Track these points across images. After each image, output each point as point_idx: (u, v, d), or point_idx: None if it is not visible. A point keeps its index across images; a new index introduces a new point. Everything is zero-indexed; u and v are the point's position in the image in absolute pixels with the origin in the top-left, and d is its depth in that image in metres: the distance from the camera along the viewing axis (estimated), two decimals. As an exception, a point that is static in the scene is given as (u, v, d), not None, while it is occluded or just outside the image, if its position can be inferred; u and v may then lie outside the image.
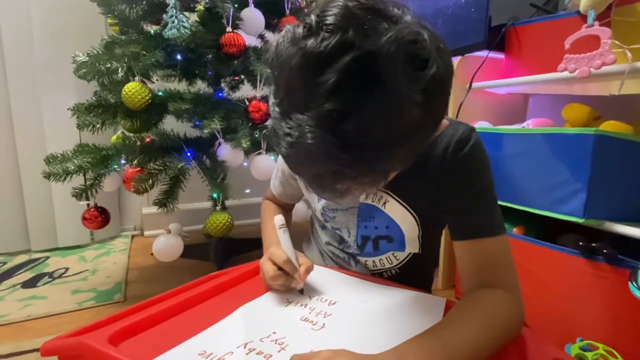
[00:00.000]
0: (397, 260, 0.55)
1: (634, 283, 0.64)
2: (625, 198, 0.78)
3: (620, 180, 0.76)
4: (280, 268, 0.45)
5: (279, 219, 0.48)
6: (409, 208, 0.50)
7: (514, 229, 0.93)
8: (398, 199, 0.50)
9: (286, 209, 0.70)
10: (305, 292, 0.47)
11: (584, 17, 0.75)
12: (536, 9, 1.00)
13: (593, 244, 0.75)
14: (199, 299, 0.45)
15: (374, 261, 0.56)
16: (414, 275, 0.56)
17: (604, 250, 0.73)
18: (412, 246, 0.53)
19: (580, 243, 0.76)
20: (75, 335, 0.35)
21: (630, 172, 0.77)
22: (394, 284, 0.51)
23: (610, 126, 0.79)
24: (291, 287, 0.47)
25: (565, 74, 0.77)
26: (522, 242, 0.87)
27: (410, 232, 0.52)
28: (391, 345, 0.33)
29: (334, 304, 0.45)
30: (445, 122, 0.44)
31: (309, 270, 0.47)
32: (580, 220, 0.74)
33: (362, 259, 0.56)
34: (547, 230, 0.89)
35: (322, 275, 0.52)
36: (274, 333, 0.37)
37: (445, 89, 0.32)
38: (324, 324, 0.40)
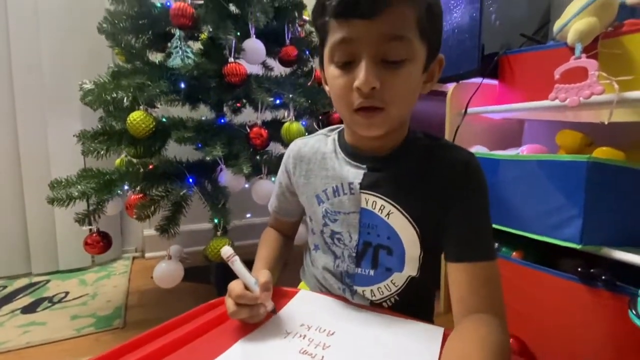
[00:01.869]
0: (396, 287, 0.54)
1: (633, 311, 0.64)
2: (622, 223, 0.78)
3: (616, 205, 0.77)
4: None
5: (226, 250, 0.47)
6: (412, 222, 0.50)
7: (514, 253, 0.94)
8: (403, 211, 0.49)
9: (286, 234, 0.69)
10: (303, 321, 0.47)
11: (572, 48, 0.78)
12: (526, 38, 1.04)
13: (592, 270, 0.75)
14: (195, 333, 0.44)
15: (372, 290, 0.54)
16: (414, 303, 0.55)
17: (603, 277, 0.73)
18: (412, 267, 0.52)
19: (579, 269, 0.77)
20: None
21: (625, 198, 0.78)
22: (392, 313, 0.50)
23: (602, 152, 0.81)
24: (263, 313, 0.46)
25: (557, 102, 0.79)
26: (521, 266, 0.87)
27: (412, 250, 0.51)
28: None
29: (332, 334, 0.45)
30: (447, 142, 0.53)
31: (266, 288, 0.46)
32: (577, 246, 0.74)
33: (360, 289, 0.55)
34: (547, 254, 0.89)
35: (320, 303, 0.52)
36: None
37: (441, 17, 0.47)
38: (322, 357, 0.40)
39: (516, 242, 0.92)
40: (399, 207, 0.50)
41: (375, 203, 0.51)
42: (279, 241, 0.65)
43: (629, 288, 0.68)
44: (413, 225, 0.50)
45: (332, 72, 0.46)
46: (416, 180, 0.50)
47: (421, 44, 0.44)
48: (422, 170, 0.50)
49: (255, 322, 0.46)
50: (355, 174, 0.52)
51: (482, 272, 0.46)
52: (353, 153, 0.54)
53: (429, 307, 0.61)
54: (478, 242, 0.47)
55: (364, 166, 0.52)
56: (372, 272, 0.54)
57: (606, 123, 0.73)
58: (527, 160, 0.84)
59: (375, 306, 0.55)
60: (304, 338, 0.44)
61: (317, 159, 0.57)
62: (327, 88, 0.52)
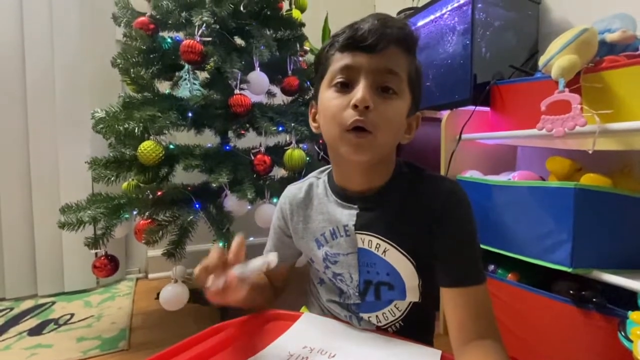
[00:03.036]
0: (400, 311, 0.56)
1: (622, 333, 0.67)
2: (611, 247, 0.81)
3: (604, 230, 0.80)
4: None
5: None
6: (408, 256, 0.53)
7: (509, 275, 0.97)
8: (398, 247, 0.53)
9: (277, 284, 0.67)
10: (306, 343, 0.48)
11: (557, 81, 0.84)
12: (515, 69, 1.10)
13: (583, 292, 0.78)
14: (200, 358, 0.46)
15: (377, 316, 0.57)
16: (417, 326, 0.58)
17: (594, 299, 0.76)
18: (413, 295, 0.55)
19: (571, 291, 0.80)
20: None
21: (613, 222, 0.81)
22: (392, 335, 0.52)
23: (589, 179, 0.84)
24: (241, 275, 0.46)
25: (544, 131, 0.84)
26: (516, 288, 0.90)
27: (411, 281, 0.54)
28: None
29: (333, 356, 0.46)
30: (431, 173, 0.56)
31: (240, 243, 0.48)
32: (568, 269, 0.77)
33: (365, 316, 0.57)
34: (541, 276, 0.92)
35: (323, 326, 0.54)
36: None
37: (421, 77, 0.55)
38: None
39: (511, 264, 0.95)
40: (393, 244, 0.53)
41: (371, 242, 0.54)
42: (266, 283, 0.65)
43: (619, 310, 0.71)
44: (409, 259, 0.53)
45: (328, 95, 0.50)
46: (405, 215, 0.53)
47: (408, 90, 0.51)
48: (409, 205, 0.53)
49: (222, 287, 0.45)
50: (348, 215, 0.55)
51: (475, 296, 0.49)
52: (343, 194, 0.56)
53: (430, 329, 0.64)
54: (468, 268, 0.50)
55: (355, 206, 0.55)
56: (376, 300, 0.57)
57: (590, 152, 0.77)
58: (518, 186, 0.88)
59: (380, 331, 0.58)
60: None
61: (314, 204, 0.60)
62: (313, 125, 0.58)
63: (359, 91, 0.47)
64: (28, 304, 1.43)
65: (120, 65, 1.05)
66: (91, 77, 1.56)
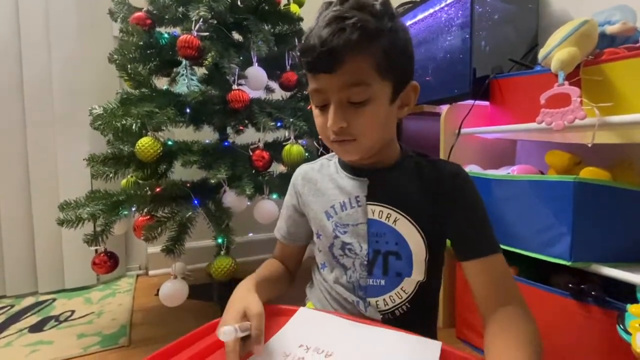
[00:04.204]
0: (406, 294, 0.57)
1: (621, 326, 0.67)
2: (610, 240, 0.81)
3: (603, 223, 0.80)
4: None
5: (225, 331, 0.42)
6: (417, 227, 0.55)
7: (508, 269, 0.97)
8: (408, 217, 0.55)
9: (289, 266, 0.69)
10: (302, 341, 0.48)
11: (557, 75, 0.83)
12: (515, 63, 1.09)
13: (582, 286, 0.78)
14: (197, 357, 0.45)
15: (384, 299, 0.57)
16: (422, 310, 0.59)
17: (592, 293, 0.76)
18: (419, 270, 0.57)
19: (570, 285, 0.80)
20: None
21: (612, 216, 0.81)
22: (390, 327, 0.51)
23: (589, 172, 0.84)
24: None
25: (543, 125, 0.84)
26: (516, 282, 0.90)
27: (418, 253, 0.56)
28: None
29: (330, 355, 0.45)
30: (436, 157, 0.61)
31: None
32: (567, 263, 0.77)
33: (373, 300, 0.58)
34: (541, 270, 0.92)
35: (318, 322, 0.53)
36: None
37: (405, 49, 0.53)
38: None
39: (511, 258, 0.95)
40: (404, 214, 0.55)
41: (382, 212, 0.56)
42: (278, 269, 0.67)
43: (617, 303, 0.71)
44: (418, 230, 0.55)
45: (314, 111, 0.55)
46: (415, 189, 0.57)
47: (383, 83, 0.50)
48: (419, 181, 0.57)
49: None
50: (360, 187, 0.58)
51: (496, 264, 0.52)
52: (353, 170, 0.60)
53: (433, 317, 0.65)
54: (487, 239, 0.54)
55: (365, 178, 0.58)
56: (382, 282, 0.57)
57: (589, 145, 0.77)
58: (518, 180, 0.88)
59: (387, 316, 0.58)
60: None
61: (324, 179, 0.63)
62: None
63: (330, 116, 0.50)
64: (29, 301, 1.44)
65: (118, 61, 1.05)
66: (89, 74, 1.55)
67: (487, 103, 1.13)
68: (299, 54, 0.52)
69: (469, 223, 0.55)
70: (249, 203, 1.15)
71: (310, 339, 0.49)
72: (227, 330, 0.42)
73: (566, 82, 0.79)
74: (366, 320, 0.54)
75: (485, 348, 0.45)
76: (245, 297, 0.50)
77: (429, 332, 0.54)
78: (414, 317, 0.58)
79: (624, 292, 0.74)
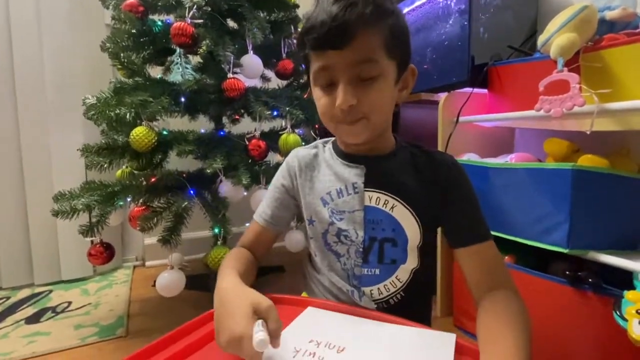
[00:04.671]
0: (401, 282, 0.57)
1: (617, 312, 0.67)
2: (607, 227, 0.81)
3: (601, 210, 0.80)
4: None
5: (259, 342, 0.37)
6: (413, 213, 0.56)
7: (506, 257, 0.97)
8: (405, 204, 0.56)
9: (258, 254, 0.64)
10: (312, 337, 0.46)
11: (556, 61, 0.82)
12: (514, 50, 1.08)
13: (579, 273, 0.78)
14: (193, 348, 0.44)
15: (379, 289, 0.57)
16: (417, 298, 0.59)
17: (589, 279, 0.76)
18: (413, 257, 0.57)
19: (567, 272, 0.80)
20: None
21: (610, 203, 0.81)
22: (402, 321, 0.50)
23: (587, 160, 0.84)
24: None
25: (542, 112, 0.83)
26: (513, 270, 0.90)
27: (414, 239, 0.56)
28: None
29: (342, 350, 0.43)
30: (430, 148, 0.61)
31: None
32: (564, 250, 0.77)
33: (367, 289, 0.57)
34: (538, 258, 0.92)
35: (328, 319, 0.52)
36: None
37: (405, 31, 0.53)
38: None
39: (508, 247, 0.95)
40: (401, 201, 0.56)
41: (379, 199, 0.56)
42: (249, 259, 0.61)
43: (614, 290, 0.71)
44: (414, 216, 0.56)
45: (317, 93, 0.54)
46: (411, 177, 0.57)
47: (390, 62, 0.51)
48: (414, 170, 0.58)
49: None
50: (357, 174, 0.58)
51: (488, 250, 0.54)
52: (349, 158, 0.60)
53: (427, 307, 0.65)
54: (480, 226, 0.55)
55: (362, 166, 0.58)
56: (377, 271, 0.57)
57: (588, 132, 0.76)
58: (516, 168, 0.88)
59: (382, 305, 0.58)
60: (313, 356, 0.42)
61: (321, 166, 0.62)
62: None
63: (339, 94, 0.49)
64: (25, 292, 1.43)
65: (110, 50, 1.02)
66: (82, 63, 1.52)
67: (485, 91, 1.12)
68: (302, 33, 0.50)
69: (463, 211, 0.56)
70: (245, 193, 1.14)
71: (321, 334, 0.47)
72: (264, 339, 0.37)
73: (565, 69, 0.78)
74: (377, 314, 0.52)
75: (478, 329, 0.45)
76: (243, 294, 0.45)
77: (423, 320, 0.54)
78: (408, 306, 0.58)
79: (620, 280, 0.75)
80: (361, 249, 0.57)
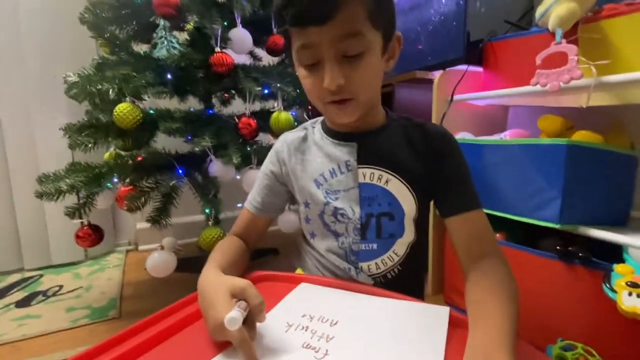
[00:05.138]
0: (398, 256, 0.58)
1: (607, 285, 0.68)
2: (598, 203, 0.82)
3: (593, 187, 0.80)
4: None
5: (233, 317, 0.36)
6: (408, 186, 0.55)
7: (497, 235, 0.97)
8: (399, 177, 0.55)
9: (250, 242, 0.63)
10: (304, 311, 0.46)
11: (553, 33, 0.80)
12: (511, 25, 1.05)
13: (569, 248, 0.79)
14: (187, 321, 0.44)
15: (376, 264, 0.57)
16: (412, 273, 0.60)
17: (579, 254, 0.76)
18: (409, 230, 0.57)
19: (558, 247, 0.80)
20: None
21: (602, 179, 0.81)
22: (395, 295, 0.49)
23: (581, 136, 0.83)
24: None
25: (538, 87, 0.81)
26: (504, 247, 0.90)
27: (410, 212, 0.56)
28: None
29: (335, 324, 0.43)
30: (421, 119, 0.60)
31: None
32: (556, 226, 0.77)
33: (365, 265, 0.57)
34: (528, 235, 0.93)
35: (321, 293, 0.51)
36: None
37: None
38: (327, 351, 0.38)
39: (500, 224, 0.95)
40: (395, 174, 0.55)
41: (373, 174, 0.56)
42: (240, 248, 0.60)
43: (603, 264, 0.72)
44: (409, 189, 0.55)
45: (301, 72, 0.51)
46: (404, 149, 0.56)
47: (376, 33, 0.48)
48: (407, 142, 0.57)
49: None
50: (348, 152, 0.56)
51: (478, 219, 0.53)
52: (339, 136, 0.58)
53: (421, 283, 0.66)
54: (470, 195, 0.55)
55: (353, 143, 0.56)
56: (375, 246, 0.57)
57: (584, 107, 0.75)
58: (510, 145, 0.87)
59: (379, 280, 0.58)
60: (306, 330, 0.42)
61: (311, 148, 0.60)
62: None
63: (326, 75, 0.46)
64: (15, 277, 1.41)
65: (90, 21, 0.97)
66: (63, 41, 1.45)
67: (480, 69, 1.09)
68: (279, 7, 0.46)
69: (454, 180, 0.56)
70: (238, 177, 1.12)
71: (314, 309, 0.46)
72: (234, 316, 0.36)
73: (564, 40, 0.76)
74: (371, 288, 0.52)
75: (467, 301, 0.45)
76: (219, 282, 0.44)
77: (416, 296, 0.54)
78: (404, 280, 0.58)
79: (609, 255, 0.75)
80: (359, 226, 0.56)
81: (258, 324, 0.42)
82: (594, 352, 0.70)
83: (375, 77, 0.51)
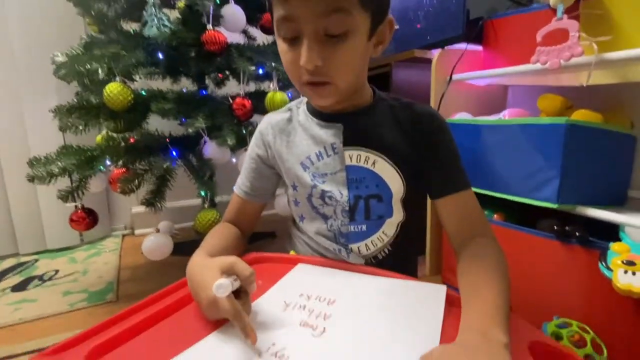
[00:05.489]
0: (388, 237, 0.57)
1: (603, 263, 0.68)
2: (596, 183, 0.81)
3: (591, 166, 0.80)
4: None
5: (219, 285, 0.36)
6: (395, 167, 0.54)
7: (495, 216, 0.97)
8: (386, 158, 0.54)
9: (244, 228, 0.62)
10: (302, 290, 0.46)
11: (555, 10, 0.78)
12: (511, 1, 1.02)
13: (567, 228, 0.79)
14: (182, 302, 0.44)
15: (366, 245, 0.57)
16: (403, 252, 0.59)
17: (577, 233, 0.77)
18: (398, 211, 0.57)
19: (555, 227, 0.80)
20: (54, 354, 0.34)
21: (600, 159, 0.81)
22: (392, 274, 0.49)
23: (581, 115, 0.82)
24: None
25: (538, 65, 0.80)
26: (501, 227, 0.90)
27: (397, 192, 0.55)
28: (397, 342, 0.34)
29: (333, 302, 0.43)
30: (410, 100, 0.58)
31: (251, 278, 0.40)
32: (554, 206, 0.77)
33: (355, 246, 0.57)
34: (526, 216, 0.92)
35: (318, 272, 0.51)
36: (273, 345, 0.35)
37: None
38: (324, 328, 0.38)
39: (497, 205, 0.95)
40: (382, 155, 0.54)
41: (360, 156, 0.54)
42: (233, 234, 0.59)
43: (600, 243, 0.72)
44: (396, 169, 0.54)
45: (280, 46, 0.47)
46: (391, 129, 0.55)
47: (363, 13, 0.44)
48: (395, 122, 0.55)
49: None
50: (334, 134, 0.55)
51: (468, 199, 0.53)
52: (324, 117, 0.56)
53: (414, 264, 0.66)
54: (460, 175, 0.54)
55: (339, 124, 0.55)
56: (364, 227, 0.56)
57: (585, 85, 0.74)
58: (509, 125, 0.85)
59: (370, 260, 0.58)
60: (304, 309, 0.42)
61: (297, 130, 0.58)
62: None
63: (303, 52, 0.43)
64: (10, 262, 1.41)
65: (75, -3, 0.93)
66: (50, 24, 1.40)
67: (479, 48, 1.07)
68: None
69: (444, 161, 0.54)
70: (234, 160, 1.10)
71: (311, 288, 0.46)
72: (222, 282, 0.35)
73: (565, 16, 0.74)
74: (368, 268, 0.52)
75: (459, 281, 0.44)
76: (207, 264, 0.43)
77: (411, 274, 0.54)
78: (395, 260, 0.58)
79: (606, 235, 0.75)
80: (347, 208, 0.55)
81: (255, 304, 0.42)
82: (588, 328, 0.71)
83: (358, 62, 0.49)
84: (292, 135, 0.58)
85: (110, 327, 0.39)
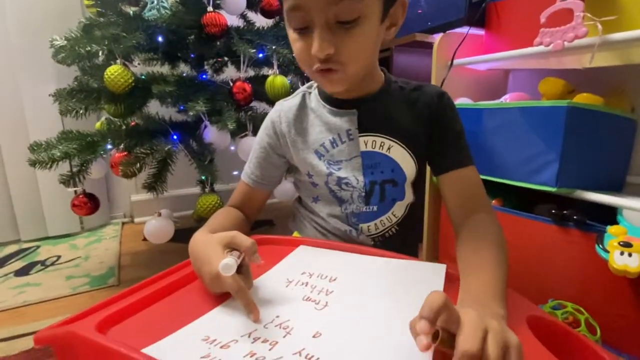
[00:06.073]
0: (396, 217, 0.59)
1: (600, 245, 0.69)
2: (595, 167, 0.82)
3: (591, 150, 0.80)
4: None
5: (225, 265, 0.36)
6: (409, 151, 0.56)
7: (493, 201, 0.98)
8: (400, 143, 0.55)
9: (249, 214, 0.63)
10: (304, 269, 0.46)
11: (559, -9, 0.77)
12: (515, -16, 1.01)
13: (564, 212, 0.79)
14: (188, 279, 0.45)
15: (375, 224, 0.58)
16: (408, 232, 0.61)
17: (574, 217, 0.77)
18: (409, 193, 0.59)
19: (553, 211, 0.81)
20: (64, 325, 0.34)
21: (600, 142, 0.81)
22: (392, 254, 0.50)
23: (582, 98, 0.82)
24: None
25: (541, 47, 0.79)
26: (500, 212, 0.91)
27: (410, 175, 0.57)
28: (397, 318, 0.35)
29: (334, 280, 0.44)
30: (419, 82, 0.59)
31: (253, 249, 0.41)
32: (552, 189, 0.77)
33: (365, 226, 0.58)
34: (524, 202, 0.93)
35: (320, 253, 0.52)
36: (277, 317, 0.36)
37: None
38: (326, 303, 0.39)
39: (496, 190, 0.96)
40: (396, 140, 0.55)
41: (375, 142, 0.55)
42: (238, 216, 0.60)
43: (597, 226, 0.73)
44: (410, 153, 0.55)
45: (291, 35, 0.48)
46: (404, 113, 0.56)
47: None
48: (406, 104, 0.56)
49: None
50: (348, 120, 0.55)
51: (471, 175, 0.54)
52: (338, 103, 0.56)
53: (417, 238, 0.69)
54: (464, 151, 0.55)
55: (354, 111, 0.55)
56: (375, 208, 0.58)
57: (589, 65, 0.73)
58: (509, 108, 0.85)
59: (377, 239, 0.59)
60: (306, 285, 0.43)
61: (309, 116, 0.58)
62: None
63: (315, 41, 0.43)
64: (12, 248, 1.41)
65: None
66: (48, 6, 1.38)
67: (481, 32, 1.06)
68: None
69: (449, 138, 0.56)
70: (233, 148, 1.10)
71: (313, 267, 0.47)
72: (228, 262, 0.36)
73: (569, -4, 0.73)
74: (369, 249, 0.52)
75: (458, 258, 0.45)
76: (208, 240, 0.43)
77: (412, 252, 0.55)
78: (401, 239, 0.60)
79: (603, 219, 0.76)
80: (363, 194, 0.57)
81: (258, 281, 0.43)
82: (583, 310, 0.72)
83: (371, 47, 0.48)
84: (305, 123, 0.58)
85: (118, 301, 0.40)
